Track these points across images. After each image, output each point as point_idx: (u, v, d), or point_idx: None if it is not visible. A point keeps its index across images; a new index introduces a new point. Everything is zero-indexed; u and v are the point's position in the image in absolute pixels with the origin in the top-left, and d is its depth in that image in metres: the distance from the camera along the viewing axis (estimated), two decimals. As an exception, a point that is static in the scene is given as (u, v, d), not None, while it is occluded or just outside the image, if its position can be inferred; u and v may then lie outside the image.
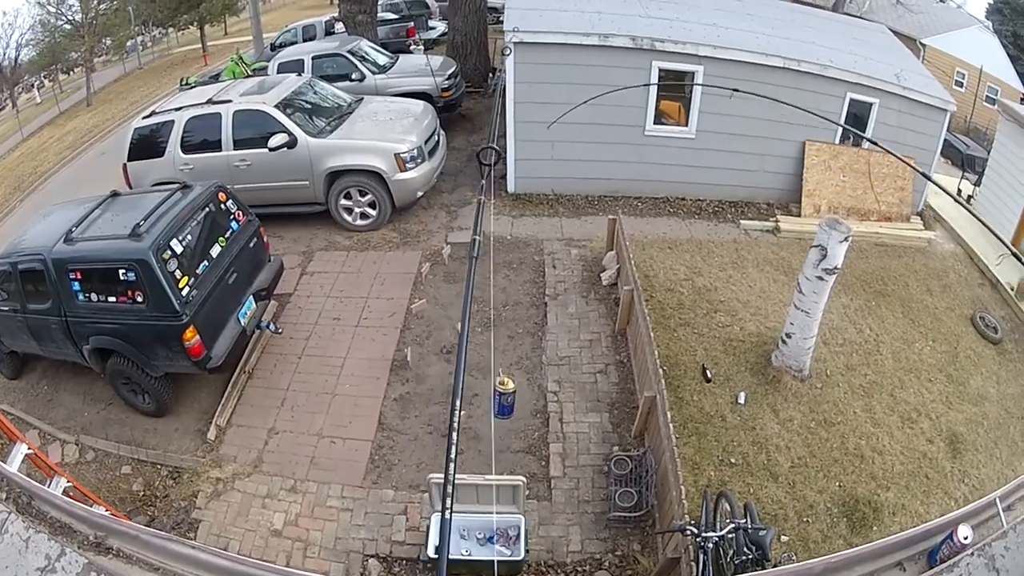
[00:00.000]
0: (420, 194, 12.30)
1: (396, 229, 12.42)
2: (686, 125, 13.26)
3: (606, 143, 13.18)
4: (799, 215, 13.50)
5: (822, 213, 13.36)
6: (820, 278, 8.20)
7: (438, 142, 13.18)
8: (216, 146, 12.18)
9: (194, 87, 17.18)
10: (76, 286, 8.11)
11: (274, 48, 26.35)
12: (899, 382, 9.49)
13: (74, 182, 20.17)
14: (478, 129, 16.75)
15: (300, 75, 14.53)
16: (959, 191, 16.46)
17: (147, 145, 12.64)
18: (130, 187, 12.66)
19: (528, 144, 13.18)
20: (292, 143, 11.76)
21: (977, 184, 16.41)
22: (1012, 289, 12.60)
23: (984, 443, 9.00)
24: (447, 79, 16.72)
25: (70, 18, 40.37)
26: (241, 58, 22.38)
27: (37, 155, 27.76)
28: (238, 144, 12.07)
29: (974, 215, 7.91)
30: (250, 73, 19.99)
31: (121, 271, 7.70)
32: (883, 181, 14.03)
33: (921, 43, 33.51)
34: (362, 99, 14.02)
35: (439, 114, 14.16)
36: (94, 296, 8.05)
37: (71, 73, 48.52)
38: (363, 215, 12.36)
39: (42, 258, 8.24)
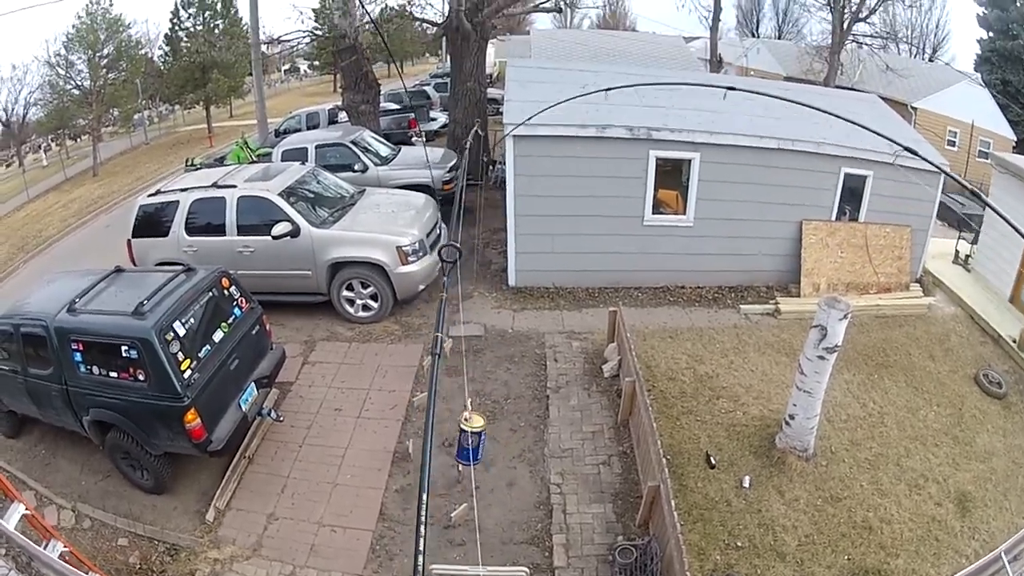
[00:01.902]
0: (422, 287, 12.46)
1: (398, 322, 12.56)
2: (684, 213, 13.54)
3: (606, 235, 13.43)
4: (799, 295, 13.77)
5: (821, 291, 13.62)
6: (821, 357, 8.33)
7: (440, 235, 13.44)
8: (220, 230, 12.43)
9: (199, 168, 17.57)
10: (78, 356, 8.26)
11: (278, 134, 26.93)
12: (905, 451, 9.61)
13: (78, 251, 20.50)
14: (479, 221, 16.96)
15: (304, 164, 14.88)
16: (957, 252, 16.71)
17: (152, 223, 12.94)
18: (134, 263, 12.95)
19: (528, 238, 13.42)
20: (295, 232, 11.99)
21: (974, 242, 16.66)
22: (1014, 342, 12.81)
23: (993, 497, 9.11)
24: (448, 172, 17.13)
25: (79, 83, 41.25)
26: (246, 142, 22.95)
27: (42, 218, 28.20)
28: (242, 230, 12.32)
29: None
30: (254, 159, 20.52)
31: (123, 348, 7.85)
32: (881, 252, 14.31)
33: (912, 107, 34.66)
34: (364, 190, 14.34)
35: (440, 207, 14.43)
36: (96, 369, 8.19)
37: (78, 140, 49.44)
38: (365, 307, 12.51)
39: (44, 324, 8.42)
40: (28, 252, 22.68)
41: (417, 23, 23.50)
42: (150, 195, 13.43)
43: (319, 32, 24.33)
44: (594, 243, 13.45)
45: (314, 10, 28.44)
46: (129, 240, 13.18)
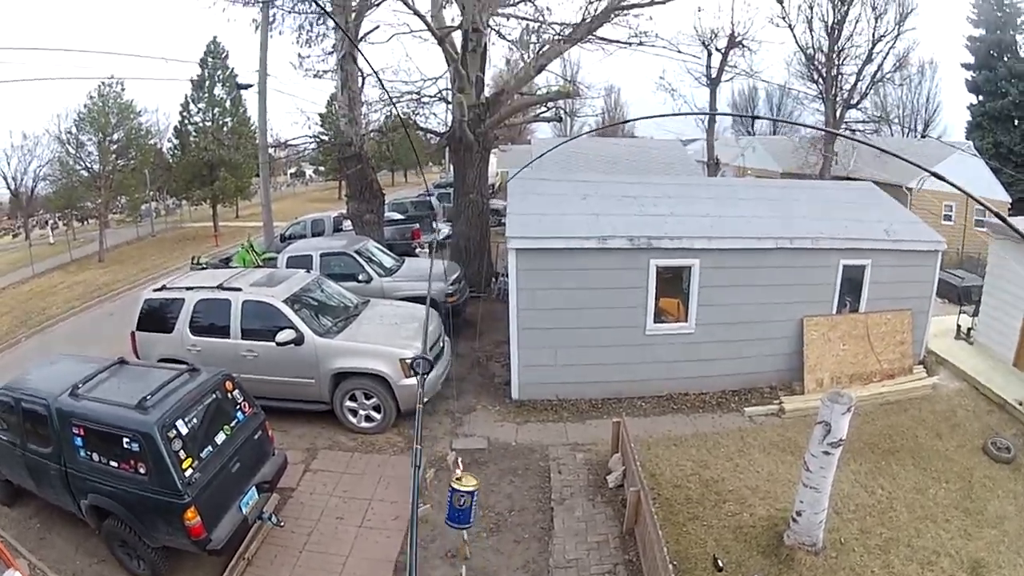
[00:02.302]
0: (425, 400, 12.36)
1: (401, 433, 12.51)
2: (686, 320, 13.65)
3: (608, 346, 13.48)
4: (802, 392, 13.77)
5: (825, 386, 13.70)
6: (826, 453, 8.36)
7: (443, 348, 13.55)
8: (224, 332, 12.66)
9: (205, 267, 17.81)
10: (78, 440, 8.39)
11: (284, 239, 27.49)
12: (915, 531, 9.56)
13: (80, 335, 20.72)
14: (482, 334, 17.08)
15: (308, 271, 15.07)
16: (958, 327, 16.93)
17: (156, 318, 13.22)
18: (137, 355, 13.12)
19: (531, 351, 13.43)
20: (299, 340, 12.13)
21: (975, 314, 16.84)
22: (1020, 404, 12.97)
23: (1007, 559, 9.11)
24: (451, 284, 17.31)
25: (88, 165, 41.75)
26: (252, 245, 23.23)
27: (46, 296, 28.56)
28: (246, 334, 12.53)
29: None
30: (260, 263, 20.80)
31: (125, 439, 7.96)
32: (882, 340, 14.43)
33: (907, 188, 35.36)
34: (368, 301, 14.58)
35: (444, 319, 14.64)
36: (96, 455, 8.29)
37: (85, 223, 49.93)
38: (368, 418, 12.50)
39: (46, 404, 8.60)
40: (31, 328, 22.97)
41: (421, 133, 24.38)
42: (155, 290, 13.73)
43: (325, 137, 25.00)
44: (597, 355, 13.48)
45: (320, 115, 29.32)
46: (133, 332, 13.46)
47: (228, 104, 47.85)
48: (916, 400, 13.78)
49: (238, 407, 9.38)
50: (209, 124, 47.13)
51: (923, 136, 56.59)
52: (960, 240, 33.14)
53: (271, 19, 21.94)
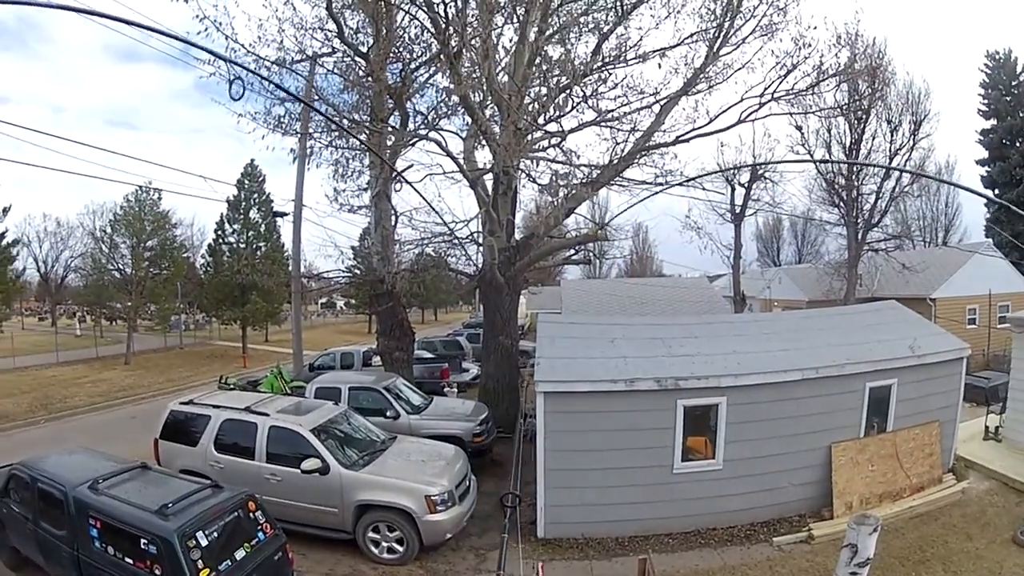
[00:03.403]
0: (449, 536, 12.61)
1: (423, 567, 12.49)
2: (713, 457, 13.75)
3: (636, 485, 13.57)
4: (831, 517, 13.74)
5: (855, 509, 13.71)
6: (854, 574, 8.31)
7: (469, 487, 13.70)
8: (249, 454, 13.09)
9: (233, 388, 18.22)
10: (94, 532, 8.85)
11: (312, 368, 28.13)
12: None
13: (99, 431, 21.17)
14: (509, 475, 17.13)
15: (336, 404, 15.53)
16: (986, 428, 17.28)
17: (181, 430, 13.77)
18: (158, 462, 13.51)
19: (558, 491, 13.51)
20: (324, 470, 12.44)
21: (1002, 411, 17.19)
22: None
23: None
24: (479, 425, 17.66)
25: (120, 267, 43.31)
26: (281, 372, 23.78)
27: (69, 386, 29.42)
28: (271, 458, 12.94)
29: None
30: (288, 391, 21.30)
31: (143, 541, 8.34)
32: (911, 455, 14.58)
33: (931, 299, 36.07)
34: (395, 437, 14.87)
35: (470, 459, 14.85)
36: (111, 549, 8.70)
37: (113, 323, 50.74)
38: (390, 549, 12.54)
39: (64, 491, 9.15)
40: (50, 413, 23.70)
41: (452, 273, 25.08)
42: (182, 402, 14.30)
43: (358, 271, 25.82)
44: (624, 494, 13.55)
45: (353, 248, 30.30)
46: (156, 440, 13.97)
47: (263, 229, 49.54)
48: (946, 508, 13.96)
49: (259, 527, 9.65)
50: (243, 247, 48.74)
51: (944, 243, 57.20)
52: (986, 341, 33.54)
53: (308, 151, 23.00)
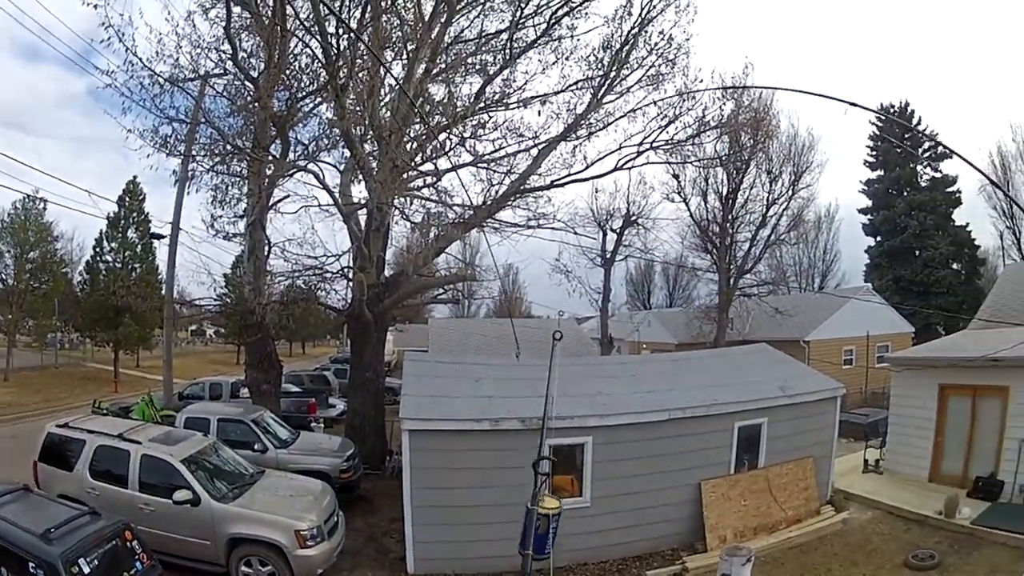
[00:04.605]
0: (320, 571, 13.40)
1: (295, 602, 13.10)
2: (581, 495, 14.96)
3: (504, 522, 13.78)
4: (705, 550, 15.21)
5: (729, 542, 15.07)
6: None
7: (337, 523, 14.56)
8: (122, 482, 13.72)
9: (107, 414, 19.11)
10: None
11: (182, 397, 29.14)
12: None
13: None
14: (376, 511, 18.31)
15: (206, 435, 16.32)
16: (866, 462, 19.44)
17: (58, 454, 14.52)
18: (38, 485, 13.88)
19: (426, 527, 14.41)
20: (195, 502, 13.10)
21: (882, 445, 19.46)
22: (940, 514, 15.25)
23: None
24: (346, 461, 18.91)
25: (3, 277, 43.99)
26: (151, 400, 24.46)
27: None
28: (144, 487, 13.58)
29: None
30: (158, 419, 21.90)
31: (31, 565, 8.87)
32: (785, 489, 16.12)
33: (804, 342, 39.39)
34: (264, 471, 15.74)
35: (338, 495, 15.74)
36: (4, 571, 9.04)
37: None
38: (262, 583, 13.16)
39: None
40: None
41: (321, 308, 26.27)
42: (59, 425, 14.91)
43: (229, 300, 26.90)
44: (492, 531, 14.27)
45: (225, 276, 31.19)
46: (35, 462, 14.51)
47: (139, 250, 50.46)
48: (827, 537, 15.58)
49: (137, 557, 10.38)
50: (119, 267, 49.64)
51: (820, 288, 62.57)
52: (863, 380, 36.74)
53: (190, 174, 23.68)
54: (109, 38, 18.56)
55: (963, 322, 29.28)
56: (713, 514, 15.61)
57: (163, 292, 29.69)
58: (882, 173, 65.04)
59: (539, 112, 24.53)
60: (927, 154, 62.42)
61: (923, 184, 62.83)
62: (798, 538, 15.86)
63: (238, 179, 22.98)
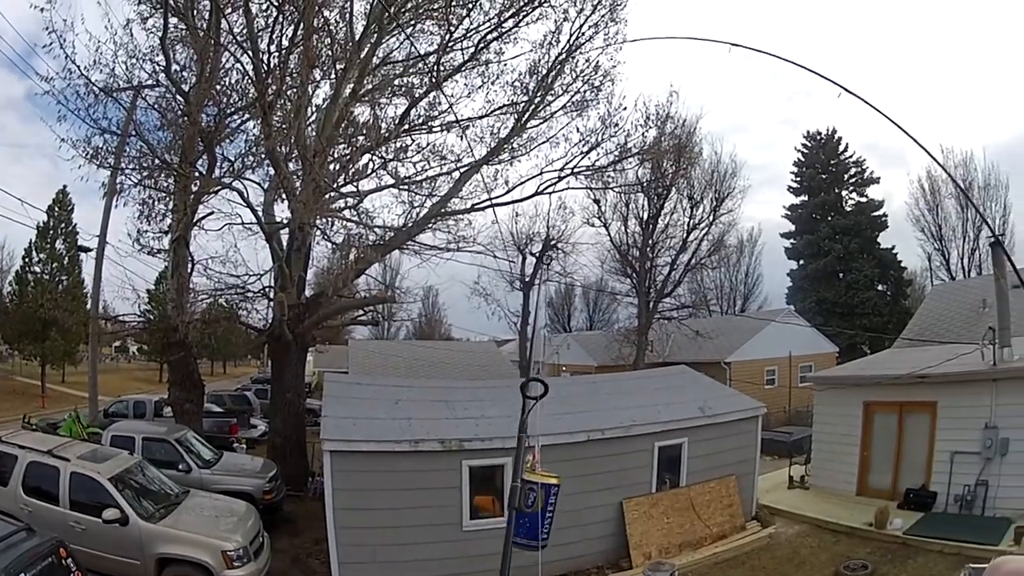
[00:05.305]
0: None
1: (224, 622, 13.52)
2: (502, 515, 15.12)
3: (427, 543, 15.35)
4: (630, 567, 16.19)
5: (654, 558, 16.11)
6: None
7: (262, 543, 15.23)
8: (54, 499, 14.15)
9: (36, 429, 19.87)
10: None
11: (107, 415, 30.07)
12: None
13: None
14: (300, 532, 19.09)
15: (132, 454, 16.96)
16: (791, 478, 20.86)
17: None
18: None
19: (350, 548, 14.93)
20: (124, 521, 13.60)
21: (807, 462, 21.04)
22: (870, 525, 16.39)
23: None
24: (268, 482, 19.83)
25: None
26: (78, 417, 25.26)
27: None
28: (74, 505, 14.03)
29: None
30: (85, 436, 22.55)
31: None
32: (708, 507, 17.25)
33: (725, 363, 41.73)
34: (188, 491, 16.37)
35: (261, 516, 16.46)
36: None
37: None
38: (193, 604, 13.50)
39: None
40: None
41: (243, 327, 27.05)
42: None
43: (152, 316, 27.70)
44: (416, 551, 15.19)
45: (149, 292, 31.92)
46: None
47: (66, 262, 51.59)
48: (755, 552, 16.60)
49: (72, 575, 10.76)
50: (47, 279, 50.90)
51: (742, 311, 67.17)
52: (787, 399, 38.65)
53: (119, 187, 24.64)
54: (51, 43, 19.59)
55: (889, 341, 31.41)
56: (636, 532, 16.62)
57: (89, 306, 30.71)
58: (806, 198, 70.04)
59: (462, 136, 25.82)
60: (853, 180, 68.11)
61: (848, 209, 68.01)
62: (724, 553, 16.88)
63: (165, 194, 23.75)
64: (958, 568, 13.29)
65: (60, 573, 10.45)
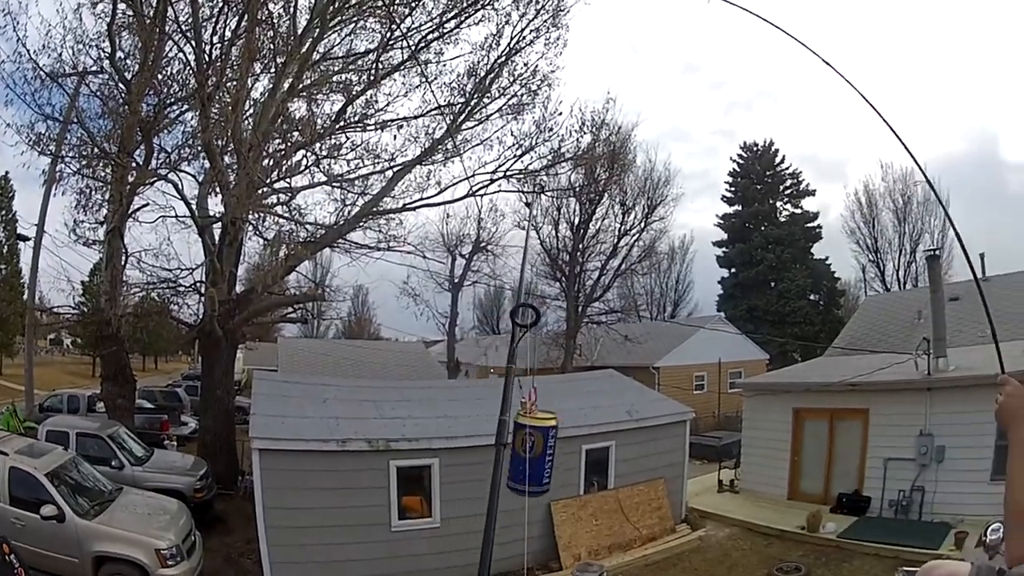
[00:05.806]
0: None
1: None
2: (430, 515, 16.59)
3: (356, 543, 15.84)
4: (560, 568, 16.87)
5: (584, 559, 16.59)
6: None
7: (195, 542, 15.57)
8: None
9: None
10: None
11: (41, 409, 30.37)
12: None
13: None
14: (232, 531, 19.56)
15: (66, 449, 17.38)
16: (720, 482, 21.98)
17: None
18: None
19: (281, 548, 15.12)
20: (60, 518, 13.71)
21: (736, 466, 22.06)
22: (802, 528, 17.23)
23: None
24: (199, 480, 20.31)
25: None
26: (15, 411, 25.52)
27: None
28: (14, 501, 14.11)
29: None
30: (22, 431, 22.85)
31: None
32: (637, 509, 18.05)
33: (654, 368, 43.21)
34: (121, 488, 16.61)
35: (193, 514, 16.77)
36: None
37: None
38: (131, 604, 13.70)
39: None
40: None
41: (174, 322, 27.69)
42: None
43: (86, 308, 28.09)
44: (346, 551, 15.59)
45: (83, 283, 32.25)
46: None
47: (5, 251, 51.40)
48: (685, 554, 17.29)
49: (15, 572, 10.92)
50: (-16, 264, 48.17)
51: (672, 317, 68.72)
52: (716, 404, 40.27)
53: (59, 175, 24.90)
54: (5, 25, 20.21)
55: (820, 349, 32.85)
56: (565, 534, 17.40)
57: (26, 297, 31.13)
58: (740, 208, 72.59)
59: (395, 136, 26.97)
60: (788, 191, 71.30)
61: (782, 219, 71.04)
62: (654, 555, 17.67)
63: (102, 184, 24.19)
64: (893, 571, 13.86)
65: (4, 570, 10.68)
